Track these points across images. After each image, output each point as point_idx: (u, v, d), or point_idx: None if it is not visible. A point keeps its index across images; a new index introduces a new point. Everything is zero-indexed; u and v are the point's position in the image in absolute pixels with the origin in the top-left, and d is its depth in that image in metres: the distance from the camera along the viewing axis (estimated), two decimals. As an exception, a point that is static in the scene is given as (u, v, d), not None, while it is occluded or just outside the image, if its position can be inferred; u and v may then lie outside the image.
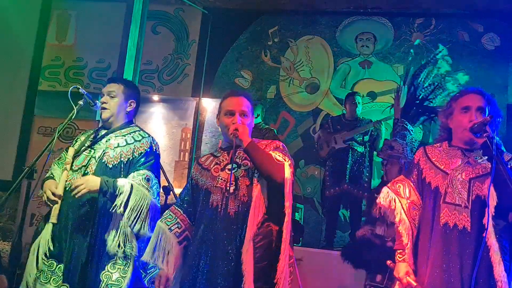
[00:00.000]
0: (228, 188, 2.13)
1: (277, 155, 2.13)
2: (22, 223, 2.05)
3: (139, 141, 2.54)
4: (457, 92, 2.38)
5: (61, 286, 2.32)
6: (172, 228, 2.25)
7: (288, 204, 2.06)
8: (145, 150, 2.51)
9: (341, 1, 5.96)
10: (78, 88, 2.37)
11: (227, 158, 2.24)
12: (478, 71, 5.64)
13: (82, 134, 2.67)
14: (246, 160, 2.20)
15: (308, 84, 6.19)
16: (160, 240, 2.21)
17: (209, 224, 2.14)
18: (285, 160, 2.10)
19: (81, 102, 2.42)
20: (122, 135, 2.55)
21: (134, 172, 2.43)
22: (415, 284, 2.10)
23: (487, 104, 2.19)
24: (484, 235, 1.98)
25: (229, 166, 2.18)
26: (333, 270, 3.90)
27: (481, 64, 5.67)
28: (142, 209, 2.34)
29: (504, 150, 2.23)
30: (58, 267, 2.36)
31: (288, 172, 2.07)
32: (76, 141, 2.59)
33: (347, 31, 6.17)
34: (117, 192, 2.32)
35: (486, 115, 2.13)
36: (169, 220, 2.28)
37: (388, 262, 2.36)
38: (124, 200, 2.31)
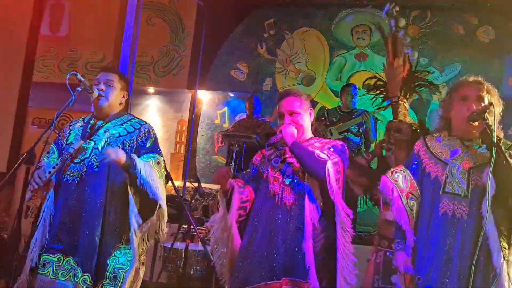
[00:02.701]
0: (285, 179, 2.28)
1: (323, 153, 2.22)
2: (21, 210, 2.03)
3: (139, 129, 2.57)
4: (456, 82, 2.39)
5: (81, 277, 2.35)
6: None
7: (337, 201, 2.17)
8: (145, 137, 2.55)
9: (337, -7, 5.96)
10: (76, 75, 2.34)
11: (288, 152, 2.33)
12: (472, 64, 5.67)
13: (72, 125, 2.63)
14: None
15: (304, 77, 6.19)
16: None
17: (268, 212, 2.25)
18: (329, 158, 2.19)
19: (79, 89, 2.39)
20: (120, 124, 2.56)
21: (143, 156, 2.47)
22: (412, 271, 2.13)
23: (486, 93, 2.19)
24: (483, 223, 1.99)
25: (289, 160, 2.31)
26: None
27: (476, 57, 5.71)
28: (159, 189, 2.41)
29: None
30: (66, 260, 2.37)
31: (330, 168, 2.16)
32: (71, 133, 2.57)
33: (342, 23, 6.17)
34: (137, 170, 2.36)
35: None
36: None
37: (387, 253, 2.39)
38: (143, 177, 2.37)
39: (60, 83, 6.59)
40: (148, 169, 2.40)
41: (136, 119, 2.63)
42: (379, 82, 3.63)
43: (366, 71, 5.99)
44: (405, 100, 3.35)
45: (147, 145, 2.53)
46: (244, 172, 2.54)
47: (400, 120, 3.28)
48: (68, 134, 2.56)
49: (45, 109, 5.35)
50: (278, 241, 2.17)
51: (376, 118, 4.89)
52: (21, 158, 2.11)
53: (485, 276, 2.02)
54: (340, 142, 2.36)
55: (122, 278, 2.38)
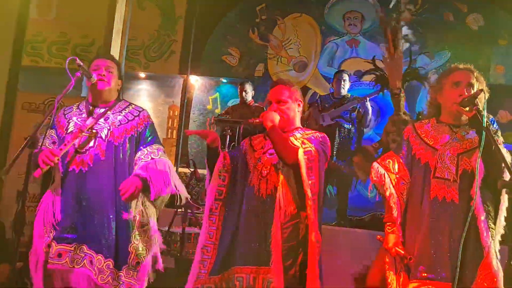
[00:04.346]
0: (262, 170, 2.30)
1: (297, 141, 2.24)
2: (25, 194, 2.05)
3: (138, 116, 2.61)
4: (447, 68, 2.44)
5: (104, 261, 2.41)
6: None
7: (307, 189, 2.18)
8: (145, 124, 2.60)
9: (329, -21, 5.96)
10: (75, 60, 2.35)
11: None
12: (462, 50, 5.74)
13: (68, 114, 2.61)
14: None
15: (296, 63, 6.21)
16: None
17: (247, 201, 2.30)
18: (301, 147, 2.22)
19: (78, 74, 2.40)
20: (119, 112, 2.59)
21: (147, 147, 2.55)
22: (403, 252, 2.20)
23: (476, 80, 2.26)
24: (471, 204, 2.07)
25: (270, 151, 2.33)
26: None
27: (465, 44, 5.78)
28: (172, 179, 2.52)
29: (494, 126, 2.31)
30: (80, 248, 2.40)
31: (301, 156, 2.19)
32: (70, 122, 2.56)
33: (335, 9, 6.18)
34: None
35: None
36: None
37: (378, 236, 2.46)
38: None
39: (49, 67, 6.52)
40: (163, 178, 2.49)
41: (133, 105, 2.66)
42: (377, 73, 3.67)
43: (357, 57, 6.03)
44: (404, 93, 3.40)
45: (147, 134, 2.57)
46: (235, 149, 2.58)
47: (404, 113, 3.36)
48: (67, 124, 2.56)
49: (36, 93, 5.30)
50: (253, 230, 2.23)
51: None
52: (25, 142, 2.13)
53: (474, 255, 2.12)
54: (321, 134, 2.37)
55: (142, 262, 2.48)
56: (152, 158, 2.51)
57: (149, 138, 2.58)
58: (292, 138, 2.25)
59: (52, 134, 2.56)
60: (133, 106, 2.65)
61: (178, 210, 3.06)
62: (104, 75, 2.52)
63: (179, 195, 2.56)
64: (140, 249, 2.48)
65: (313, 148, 2.25)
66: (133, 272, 2.45)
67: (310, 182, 2.20)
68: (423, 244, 2.19)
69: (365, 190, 5.52)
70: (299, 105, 2.42)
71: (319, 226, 2.23)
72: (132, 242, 2.47)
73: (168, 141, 6.33)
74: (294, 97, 2.39)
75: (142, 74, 6.49)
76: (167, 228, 3.12)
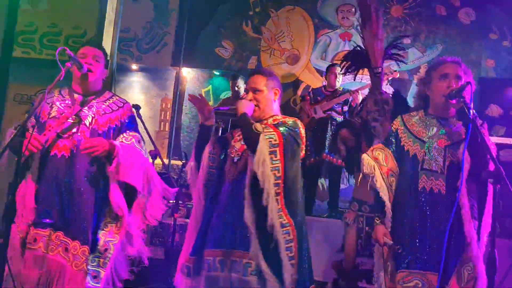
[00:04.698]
0: (234, 156, 2.35)
1: (260, 126, 2.23)
2: (15, 181, 2.07)
3: (122, 107, 2.64)
4: (436, 61, 2.47)
5: (80, 247, 2.41)
6: None
7: (260, 174, 2.16)
8: (128, 115, 2.64)
9: (323, -28, 5.94)
10: (65, 50, 2.34)
11: None
12: (453, 45, 5.77)
13: (49, 98, 2.58)
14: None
15: (289, 56, 6.21)
16: None
17: (220, 186, 2.35)
18: (262, 132, 2.21)
19: (69, 64, 2.40)
20: (103, 101, 2.61)
21: (123, 134, 2.55)
22: (391, 242, 2.24)
23: (464, 73, 2.29)
24: (457, 195, 2.11)
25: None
26: (312, 235, 4.07)
27: (457, 38, 5.81)
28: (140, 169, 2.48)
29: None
30: (55, 235, 2.41)
31: (261, 141, 2.18)
32: (52, 107, 2.56)
33: (328, 2, 6.18)
34: (114, 154, 2.42)
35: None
36: None
37: (367, 228, 2.49)
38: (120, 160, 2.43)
39: (41, 59, 6.47)
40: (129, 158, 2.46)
41: (117, 97, 2.69)
42: (359, 54, 3.66)
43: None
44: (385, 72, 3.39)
45: (128, 124, 2.61)
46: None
47: (386, 92, 3.37)
48: (50, 108, 2.55)
49: (27, 85, 5.26)
50: (224, 215, 2.28)
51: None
52: (15, 132, 2.14)
53: (458, 245, 2.16)
54: (291, 119, 2.37)
55: (112, 250, 2.46)
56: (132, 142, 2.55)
57: (129, 128, 2.62)
58: (257, 125, 2.25)
59: (32, 119, 2.52)
60: (117, 97, 2.69)
61: (169, 201, 3.07)
62: (91, 64, 2.53)
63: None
64: (110, 236, 2.48)
65: (277, 133, 2.24)
66: (99, 259, 2.45)
67: (272, 166, 2.18)
68: (411, 235, 2.23)
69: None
70: (275, 93, 2.42)
71: (290, 210, 2.21)
72: (102, 229, 2.48)
73: (160, 134, 6.32)
74: (271, 85, 2.40)
75: (135, 66, 6.46)
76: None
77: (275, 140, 2.21)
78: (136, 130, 2.65)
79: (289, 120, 2.36)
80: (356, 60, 3.61)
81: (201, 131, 2.47)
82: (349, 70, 3.66)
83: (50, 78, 2.48)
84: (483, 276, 2.07)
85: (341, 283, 3.66)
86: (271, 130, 2.24)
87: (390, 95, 3.36)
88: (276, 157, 2.19)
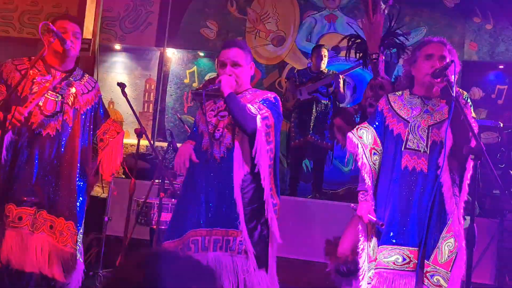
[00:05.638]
0: (215, 133, 2.31)
1: (254, 107, 2.24)
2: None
3: (94, 87, 2.68)
4: (421, 42, 2.50)
5: (65, 223, 2.41)
6: None
7: (257, 154, 2.20)
8: (99, 96, 2.70)
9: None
10: (48, 25, 2.30)
11: (223, 106, 2.35)
12: (437, 28, 5.81)
13: (17, 65, 2.50)
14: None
15: (274, 37, 6.18)
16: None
17: (202, 166, 2.30)
18: (258, 113, 2.21)
19: (52, 39, 2.36)
20: (79, 80, 2.62)
21: (107, 121, 2.69)
22: (375, 219, 2.29)
23: (448, 53, 2.32)
24: (439, 172, 2.16)
25: (222, 114, 2.34)
26: (296, 216, 4.12)
27: (440, 21, 5.84)
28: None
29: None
30: (39, 212, 2.39)
31: (259, 124, 2.19)
32: (33, 83, 2.49)
33: (313, -17, 6.13)
34: None
35: None
36: None
37: (352, 205, 2.53)
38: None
39: (21, 38, 6.31)
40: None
41: (87, 76, 2.70)
42: (357, 40, 3.69)
43: (335, 33, 6.04)
44: (383, 58, 3.40)
45: (102, 108, 2.70)
46: (190, 131, 2.57)
47: (382, 77, 3.38)
48: (20, 76, 2.40)
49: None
50: (210, 194, 2.25)
51: (345, 79, 4.98)
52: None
53: (439, 221, 2.22)
54: (273, 95, 2.38)
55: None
56: (117, 133, 2.66)
57: (104, 110, 2.71)
58: (249, 105, 2.24)
59: (1, 89, 2.47)
60: (87, 76, 2.70)
61: (155, 181, 3.07)
62: (71, 41, 2.49)
63: None
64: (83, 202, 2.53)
65: (269, 113, 2.27)
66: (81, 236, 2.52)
67: (268, 147, 2.23)
68: (394, 212, 2.28)
69: (341, 164, 5.61)
70: (251, 67, 2.42)
71: (276, 189, 2.29)
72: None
73: (144, 115, 6.26)
74: (249, 59, 2.39)
75: (118, 46, 6.35)
76: (143, 199, 3.13)
77: (270, 121, 2.25)
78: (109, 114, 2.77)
79: (271, 95, 2.38)
80: (357, 47, 3.65)
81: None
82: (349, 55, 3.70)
83: (32, 57, 2.45)
84: (463, 252, 2.13)
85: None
86: (264, 111, 2.25)
87: (389, 80, 3.36)
88: (270, 138, 2.24)
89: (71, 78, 2.56)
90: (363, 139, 2.39)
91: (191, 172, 2.35)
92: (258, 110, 2.23)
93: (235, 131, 2.29)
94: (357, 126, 2.50)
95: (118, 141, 2.63)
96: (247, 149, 2.26)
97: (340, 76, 4.71)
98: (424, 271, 2.21)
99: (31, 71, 2.46)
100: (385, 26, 3.58)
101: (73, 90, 2.53)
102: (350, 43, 3.72)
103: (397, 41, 3.60)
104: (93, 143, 2.63)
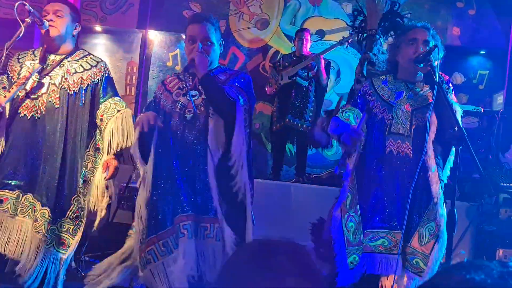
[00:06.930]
0: (185, 114, 2.17)
1: (232, 90, 2.13)
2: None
3: (95, 66, 2.54)
4: (405, 26, 2.49)
5: (40, 210, 2.34)
6: None
7: (235, 138, 2.10)
8: (102, 75, 2.54)
9: None
10: (25, 5, 2.22)
11: (191, 83, 2.24)
12: (420, 12, 5.81)
13: (21, 58, 2.51)
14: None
15: (258, 20, 6.10)
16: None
17: (171, 146, 2.18)
18: (238, 98, 2.11)
19: (28, 20, 2.28)
20: (76, 60, 2.51)
21: (109, 100, 2.54)
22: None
23: (432, 38, 2.32)
24: (422, 156, 2.18)
25: (192, 93, 2.19)
26: (280, 200, 4.14)
27: (424, 5, 5.85)
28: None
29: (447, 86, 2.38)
30: (25, 197, 2.35)
31: (240, 110, 2.09)
32: (22, 67, 2.46)
33: (298, -35, 6.05)
34: None
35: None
36: None
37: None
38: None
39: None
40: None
41: (92, 56, 2.59)
42: (359, 17, 3.69)
43: (320, 16, 5.99)
44: (382, 38, 3.37)
45: (105, 86, 2.54)
46: (146, 106, 2.40)
47: (374, 54, 3.35)
48: (20, 68, 2.46)
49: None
50: (184, 179, 2.12)
51: (329, 62, 4.95)
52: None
53: (422, 205, 2.24)
54: (246, 75, 2.28)
55: (83, 219, 2.43)
56: (118, 111, 2.53)
57: (108, 91, 2.54)
58: (226, 88, 2.11)
59: (4, 79, 2.45)
60: (91, 56, 2.58)
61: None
62: (52, 20, 2.40)
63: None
64: (82, 202, 2.45)
65: (247, 97, 2.17)
66: (70, 226, 2.42)
67: (245, 132, 2.14)
68: (379, 196, 2.29)
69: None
70: (220, 45, 2.29)
71: (251, 176, 2.20)
72: (77, 195, 2.45)
73: (126, 98, 6.15)
74: (219, 37, 2.26)
75: (98, 28, 6.20)
76: (125, 184, 3.10)
77: (247, 106, 2.16)
78: (116, 93, 2.58)
79: (244, 76, 2.27)
80: (360, 23, 3.65)
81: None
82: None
83: (9, 38, 2.37)
84: (444, 236, 2.16)
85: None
86: (243, 94, 2.15)
87: (380, 59, 3.29)
88: (246, 123, 2.15)
89: (65, 60, 2.47)
90: (350, 121, 2.38)
91: (163, 154, 2.17)
92: (237, 95, 2.12)
93: (210, 112, 2.15)
94: (341, 109, 2.50)
95: (118, 119, 2.48)
96: (221, 133, 2.14)
97: (320, 57, 4.67)
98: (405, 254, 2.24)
99: (26, 59, 2.45)
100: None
101: (63, 70, 2.45)
102: (355, 13, 3.77)
103: (399, 20, 3.56)
104: (95, 124, 2.52)
